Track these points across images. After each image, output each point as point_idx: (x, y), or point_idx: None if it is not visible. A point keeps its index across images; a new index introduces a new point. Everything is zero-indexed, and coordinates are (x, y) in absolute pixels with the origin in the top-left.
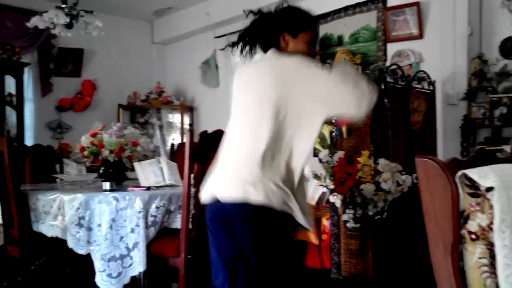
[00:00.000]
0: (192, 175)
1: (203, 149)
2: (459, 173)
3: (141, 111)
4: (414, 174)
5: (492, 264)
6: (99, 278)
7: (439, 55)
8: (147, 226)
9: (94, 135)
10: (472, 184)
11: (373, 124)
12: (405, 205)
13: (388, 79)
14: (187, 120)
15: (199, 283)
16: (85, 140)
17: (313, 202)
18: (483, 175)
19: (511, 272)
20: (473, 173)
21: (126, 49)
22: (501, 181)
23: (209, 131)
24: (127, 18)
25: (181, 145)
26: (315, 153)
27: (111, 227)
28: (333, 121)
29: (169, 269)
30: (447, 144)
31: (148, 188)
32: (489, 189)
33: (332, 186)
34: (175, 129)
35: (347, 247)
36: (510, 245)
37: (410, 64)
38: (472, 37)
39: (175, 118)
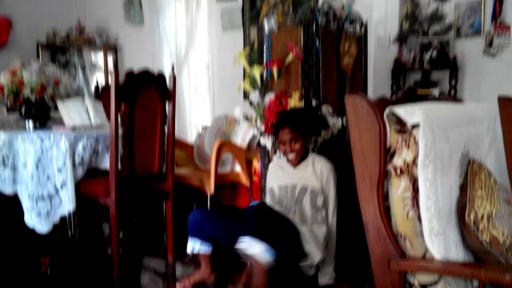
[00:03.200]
0: (119, 115)
1: (130, 88)
2: (387, 110)
3: (61, 50)
4: (344, 116)
5: (415, 198)
6: (28, 217)
7: None
8: (74, 166)
9: (13, 73)
10: (399, 121)
11: (305, 65)
12: (335, 147)
13: (320, 20)
14: (111, 60)
15: (129, 222)
16: (3, 78)
17: (244, 144)
18: (409, 112)
19: (431, 205)
20: (401, 110)
21: None
22: (426, 117)
23: (135, 71)
24: None
25: (106, 87)
26: (245, 95)
27: (37, 167)
28: (264, 63)
29: (100, 209)
30: (377, 87)
31: (74, 128)
32: (415, 125)
33: (262, 128)
34: (98, 70)
35: None
36: (432, 179)
37: (342, 6)
38: None
39: (98, 58)
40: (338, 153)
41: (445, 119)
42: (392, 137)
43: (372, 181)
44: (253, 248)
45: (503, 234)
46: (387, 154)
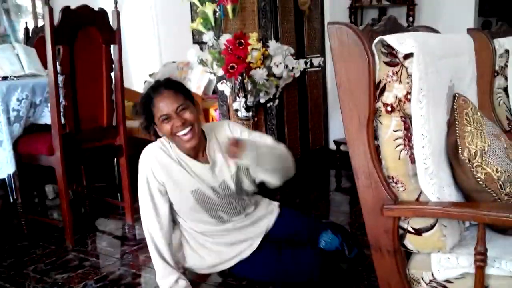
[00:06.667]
0: (57, 61)
1: (67, 28)
2: (377, 39)
3: None
4: (304, 58)
5: (407, 137)
6: None
7: None
8: (10, 122)
9: None
10: (389, 52)
11: (261, 2)
12: (296, 91)
13: None
14: (39, 3)
15: (79, 183)
16: None
17: (199, 91)
18: (401, 41)
19: (426, 143)
20: (392, 38)
21: None
22: (419, 46)
23: (72, 7)
24: None
25: (38, 32)
26: (195, 39)
27: None
28: None
29: (44, 170)
30: None
31: (5, 78)
32: (407, 56)
33: (220, 73)
34: (25, 14)
35: None
36: (426, 115)
37: None
38: None
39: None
40: (301, 96)
41: (434, 50)
42: (382, 71)
43: (361, 120)
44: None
45: (496, 170)
46: (377, 90)
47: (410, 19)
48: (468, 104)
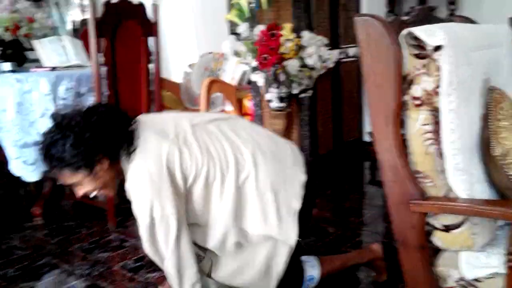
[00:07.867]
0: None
1: (109, 21)
2: (404, 31)
3: None
4: (338, 49)
5: (436, 131)
6: (14, 166)
7: None
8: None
9: None
10: (418, 44)
11: None
12: (330, 82)
13: None
14: None
15: None
16: None
17: (234, 82)
18: (430, 33)
19: (456, 138)
20: (420, 31)
21: None
22: (449, 39)
23: (114, 1)
24: None
25: (84, 22)
26: (233, 31)
27: (18, 112)
28: None
29: None
30: None
31: (53, 69)
32: (437, 48)
33: (254, 64)
34: (72, 6)
35: (272, 127)
36: (456, 110)
37: None
38: None
39: None
40: (335, 87)
41: (467, 41)
42: (410, 63)
43: (387, 114)
44: None
45: None
46: (404, 83)
47: (452, 6)
48: (504, 97)
